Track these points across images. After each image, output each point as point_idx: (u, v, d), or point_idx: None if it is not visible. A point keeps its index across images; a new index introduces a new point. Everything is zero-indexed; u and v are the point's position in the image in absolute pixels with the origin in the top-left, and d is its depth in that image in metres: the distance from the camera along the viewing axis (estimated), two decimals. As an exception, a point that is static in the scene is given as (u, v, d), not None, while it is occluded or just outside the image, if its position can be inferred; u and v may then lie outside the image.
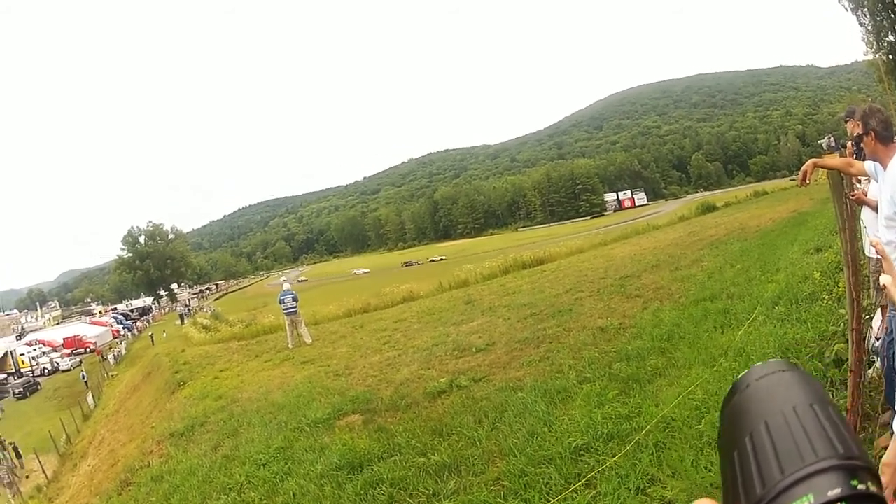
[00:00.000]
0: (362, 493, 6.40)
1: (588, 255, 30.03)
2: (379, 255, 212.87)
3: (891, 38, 43.17)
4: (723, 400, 0.71)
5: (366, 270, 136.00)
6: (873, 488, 0.54)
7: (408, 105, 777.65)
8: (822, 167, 4.94)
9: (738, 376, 0.71)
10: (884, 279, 3.43)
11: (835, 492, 0.53)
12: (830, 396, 0.65)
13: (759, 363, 0.71)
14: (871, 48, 44.83)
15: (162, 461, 10.27)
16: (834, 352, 5.96)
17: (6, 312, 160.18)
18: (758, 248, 16.72)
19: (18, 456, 32.46)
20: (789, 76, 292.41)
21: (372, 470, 6.88)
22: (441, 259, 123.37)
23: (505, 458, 6.36)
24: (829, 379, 5.55)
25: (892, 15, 42.13)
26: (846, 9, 43.86)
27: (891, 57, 44.04)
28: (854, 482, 0.54)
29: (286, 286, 20.15)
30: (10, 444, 33.45)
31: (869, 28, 43.68)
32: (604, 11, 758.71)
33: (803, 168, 4.67)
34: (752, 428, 0.62)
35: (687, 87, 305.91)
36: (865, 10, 42.91)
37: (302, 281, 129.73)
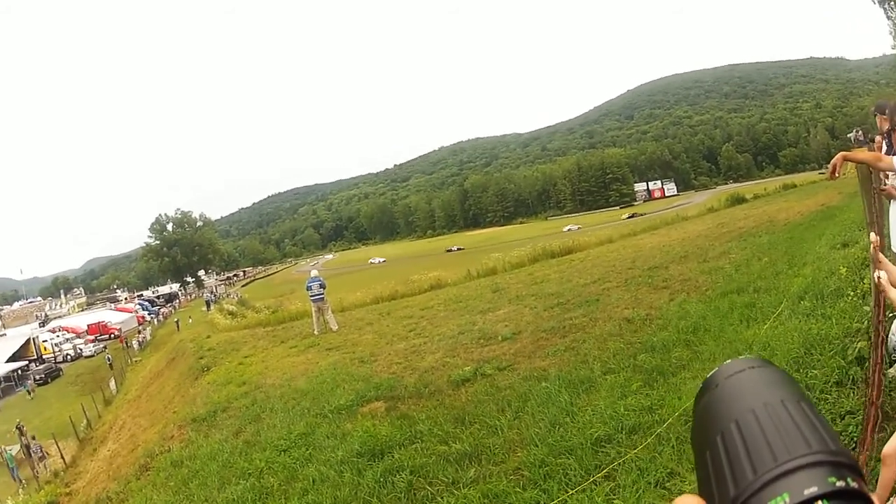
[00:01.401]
0: (382, 480, 6.44)
1: (617, 245, 29.92)
2: (408, 242, 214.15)
3: (917, 31, 42.60)
4: (695, 398, 0.71)
5: (382, 259, 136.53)
6: (853, 484, 0.54)
7: (439, 93, 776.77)
8: (851, 160, 4.88)
9: (709, 374, 0.70)
10: (879, 274, 3.35)
11: (811, 490, 0.53)
12: (806, 392, 0.63)
13: (729, 360, 0.71)
14: (899, 41, 44.27)
15: (182, 446, 10.38)
16: (857, 349, 5.88)
17: (29, 300, 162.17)
18: (785, 241, 16.53)
19: (22, 435, 32.67)
20: (819, 68, 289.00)
21: (392, 457, 6.92)
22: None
23: (526, 447, 6.36)
24: (851, 377, 5.46)
25: (920, 9, 41.56)
26: (874, 2, 43.27)
27: (917, 51, 43.50)
28: (832, 479, 0.53)
29: (314, 273, 20.15)
30: (17, 426, 33.78)
31: (896, 21, 43.11)
32: (635, 1, 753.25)
33: (833, 161, 4.60)
34: (723, 427, 0.62)
35: (718, 78, 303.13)
36: (893, 2, 42.32)
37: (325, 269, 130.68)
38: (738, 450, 0.58)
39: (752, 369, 0.67)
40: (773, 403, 0.60)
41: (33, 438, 31.93)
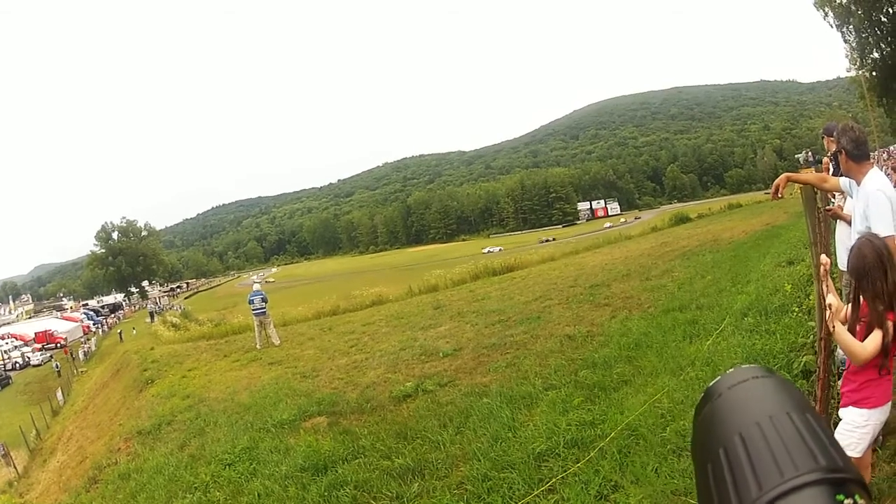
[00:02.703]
0: (326, 494, 6.39)
1: (559, 262, 30.12)
2: (350, 257, 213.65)
3: (875, 55, 43.62)
4: (695, 407, 0.70)
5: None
6: (861, 501, 0.53)
7: (384, 109, 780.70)
8: (795, 181, 5.00)
9: (711, 383, 0.69)
10: (830, 298, 3.48)
11: None
12: (811, 403, 0.62)
13: (732, 369, 0.69)
14: (855, 65, 45.32)
15: (129, 459, 10.26)
16: (802, 363, 6.01)
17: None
18: (730, 259, 16.80)
19: None
20: (769, 91, 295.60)
21: (336, 472, 6.87)
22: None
23: (469, 462, 6.36)
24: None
25: (878, 32, 42.56)
26: (831, 25, 44.27)
27: (874, 74, 44.53)
28: (840, 497, 0.53)
29: (256, 287, 20.01)
30: None
31: (854, 45, 44.13)
32: (584, 23, 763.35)
33: (776, 182, 4.72)
34: (727, 441, 0.61)
35: (665, 100, 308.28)
36: (851, 26, 43.32)
37: (270, 282, 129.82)
38: (743, 464, 0.57)
39: (756, 379, 0.66)
40: (778, 416, 0.60)
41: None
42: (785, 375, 4.87)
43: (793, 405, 0.61)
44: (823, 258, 3.88)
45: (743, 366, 0.69)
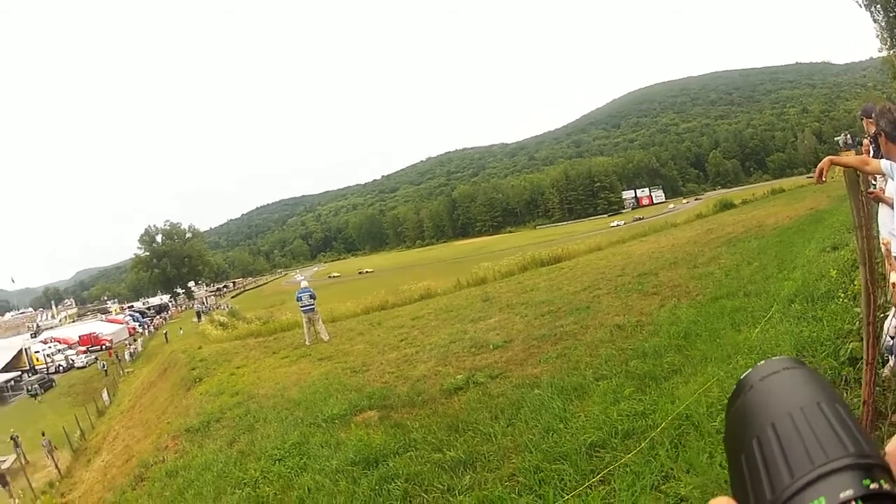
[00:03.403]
0: (377, 488, 6.43)
1: (606, 252, 29.91)
2: (397, 252, 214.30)
3: (905, 34, 42.63)
4: (728, 399, 0.70)
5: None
6: (886, 486, 0.54)
7: (426, 104, 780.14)
8: (838, 165, 4.91)
9: (743, 375, 0.70)
10: (893, 277, 3.43)
11: (847, 493, 0.53)
12: (839, 392, 0.62)
13: (763, 361, 0.70)
14: (886, 45, 44.35)
15: (177, 456, 10.38)
16: (849, 350, 5.90)
17: (21, 311, 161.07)
18: (775, 245, 16.59)
19: (17, 446, 32.64)
20: (805, 73, 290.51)
21: (387, 465, 6.91)
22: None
23: (520, 453, 6.35)
24: (844, 377, 5.49)
25: (906, 11, 41.57)
26: (860, 5, 43.32)
27: (905, 54, 43.52)
28: (867, 482, 0.54)
29: (304, 283, 20.10)
30: (12, 435, 33.69)
31: (883, 24, 43.12)
32: (619, 10, 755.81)
33: (819, 165, 4.64)
34: (759, 431, 0.61)
35: (704, 85, 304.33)
36: (879, 6, 42.39)
37: (334, 276, 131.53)
38: (775, 453, 0.58)
39: (787, 370, 0.67)
40: (809, 406, 0.60)
41: (42, 434, 31.95)
42: (832, 363, 4.86)
43: (823, 395, 0.62)
44: (884, 237, 3.81)
45: (774, 357, 0.70)
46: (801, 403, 0.61)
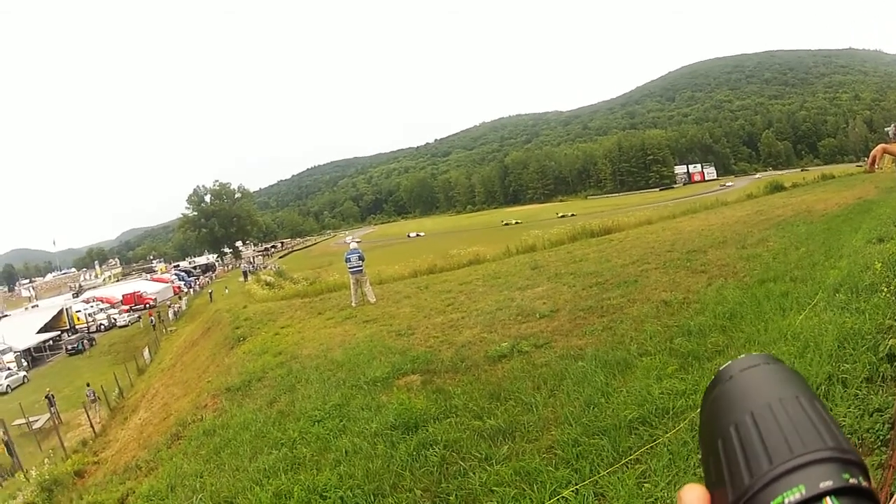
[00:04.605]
0: (415, 453, 6.47)
1: (656, 226, 29.73)
2: (447, 216, 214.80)
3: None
4: (706, 389, 0.71)
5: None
6: (864, 483, 0.55)
7: (482, 69, 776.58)
8: (890, 154, 4.81)
9: (721, 367, 0.71)
10: None
11: (826, 483, 0.54)
12: (815, 391, 0.63)
13: (742, 356, 0.71)
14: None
15: (215, 415, 10.47)
16: (888, 346, 5.81)
17: (63, 271, 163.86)
18: (823, 232, 16.35)
19: (51, 405, 33.21)
20: (857, 59, 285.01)
21: (426, 430, 6.96)
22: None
23: (560, 426, 6.37)
24: (882, 374, 5.40)
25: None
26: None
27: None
28: (846, 476, 0.55)
29: (353, 245, 20.19)
30: (47, 395, 34.41)
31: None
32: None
33: (873, 153, 4.57)
34: (738, 418, 0.63)
35: (759, 63, 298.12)
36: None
37: (419, 235, 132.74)
38: (754, 440, 0.59)
39: (767, 365, 0.68)
40: (788, 399, 0.62)
41: (87, 385, 32.81)
42: (871, 358, 4.77)
43: (801, 391, 0.64)
44: None
45: (753, 353, 0.71)
46: (780, 395, 0.63)
